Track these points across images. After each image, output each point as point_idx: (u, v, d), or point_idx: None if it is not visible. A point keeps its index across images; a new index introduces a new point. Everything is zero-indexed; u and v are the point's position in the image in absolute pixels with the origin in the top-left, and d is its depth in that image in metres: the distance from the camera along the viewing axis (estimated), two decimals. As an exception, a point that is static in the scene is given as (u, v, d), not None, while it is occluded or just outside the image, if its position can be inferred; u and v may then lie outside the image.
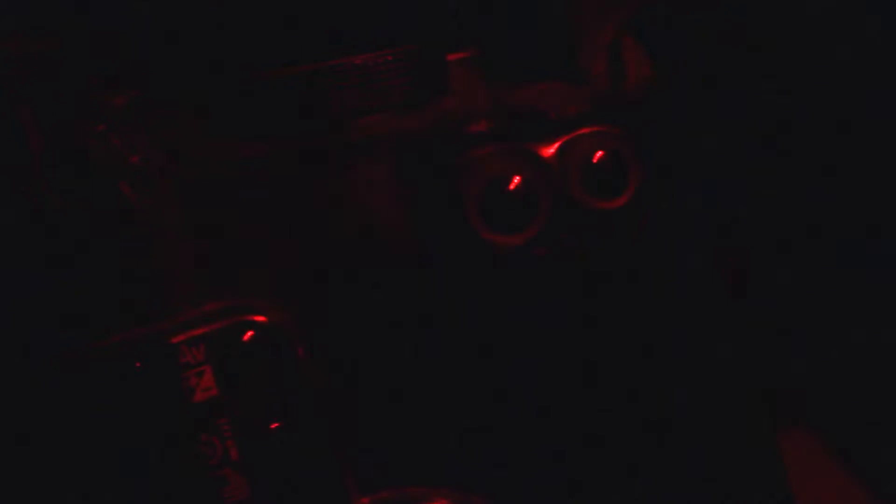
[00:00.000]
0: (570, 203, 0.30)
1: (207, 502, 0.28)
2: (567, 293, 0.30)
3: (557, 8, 0.33)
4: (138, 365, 0.28)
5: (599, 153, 0.30)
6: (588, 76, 0.33)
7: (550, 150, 0.30)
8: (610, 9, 0.33)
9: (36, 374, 0.27)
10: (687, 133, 0.32)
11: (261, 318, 0.29)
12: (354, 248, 0.29)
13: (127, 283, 0.28)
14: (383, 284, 0.29)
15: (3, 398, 0.27)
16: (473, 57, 0.33)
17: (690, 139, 0.32)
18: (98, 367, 0.28)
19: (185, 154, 0.29)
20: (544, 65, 0.32)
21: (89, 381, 0.27)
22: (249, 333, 0.28)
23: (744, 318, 0.32)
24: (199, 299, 0.29)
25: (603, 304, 0.30)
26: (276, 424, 0.28)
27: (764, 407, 0.32)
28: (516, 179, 0.29)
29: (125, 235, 0.28)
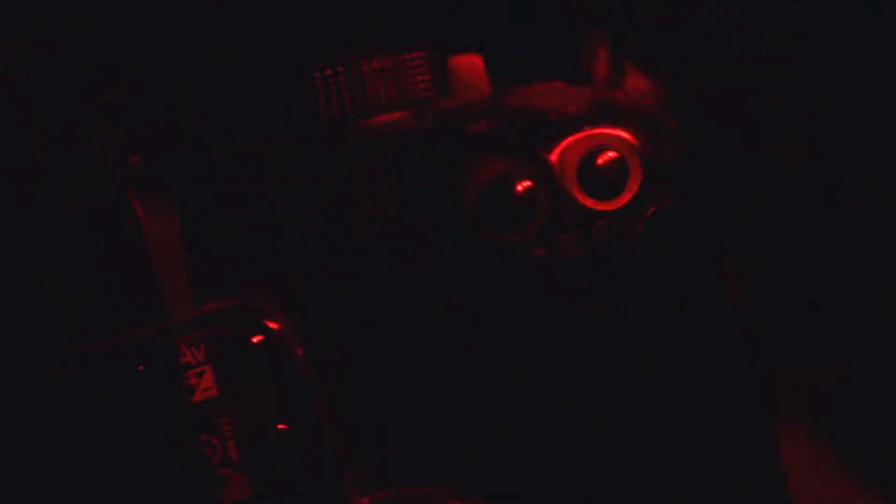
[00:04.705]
0: (570, 203, 0.30)
1: (207, 502, 0.28)
2: (566, 293, 0.30)
3: (558, 8, 0.33)
4: (140, 367, 0.28)
5: (599, 154, 0.30)
6: (588, 76, 0.33)
7: (550, 151, 0.30)
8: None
9: (36, 374, 0.27)
10: (687, 133, 0.32)
11: (261, 319, 0.29)
12: (354, 247, 0.29)
13: (127, 283, 0.28)
14: (383, 284, 0.29)
15: (3, 398, 0.27)
16: (473, 57, 0.33)
17: (690, 139, 0.32)
18: (98, 367, 0.28)
19: (185, 154, 0.29)
20: (544, 65, 0.32)
21: (89, 381, 0.27)
22: (250, 333, 0.28)
23: (744, 318, 0.32)
24: (200, 299, 0.29)
25: (602, 304, 0.30)
26: (283, 426, 0.28)
27: (764, 407, 0.32)
28: (516, 179, 0.29)
29: (125, 236, 0.28)
